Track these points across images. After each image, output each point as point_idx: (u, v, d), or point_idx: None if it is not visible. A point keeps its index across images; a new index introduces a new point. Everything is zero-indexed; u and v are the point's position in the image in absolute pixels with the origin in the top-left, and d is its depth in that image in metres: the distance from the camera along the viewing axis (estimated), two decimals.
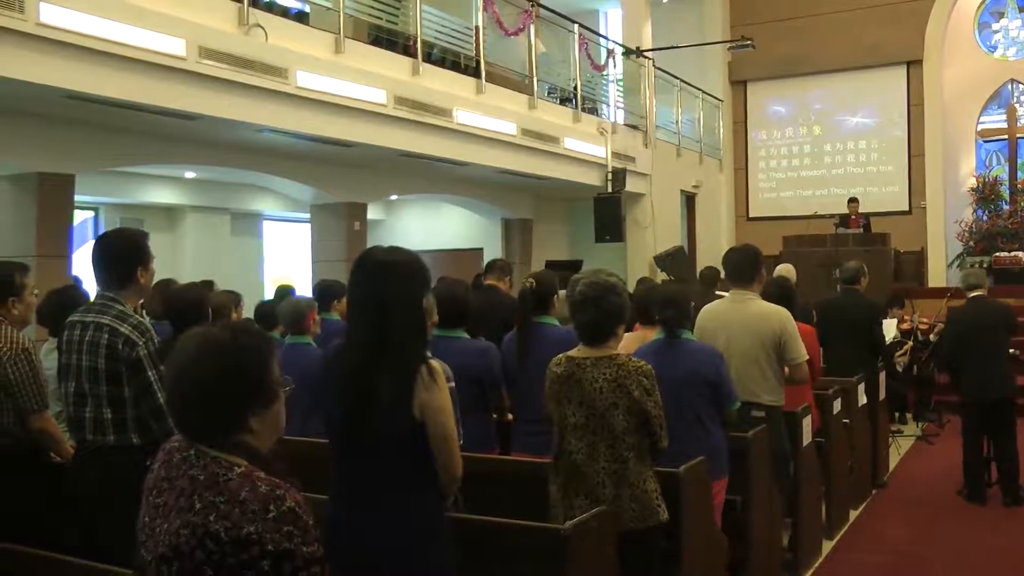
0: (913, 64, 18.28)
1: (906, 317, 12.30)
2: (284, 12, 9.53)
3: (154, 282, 5.15)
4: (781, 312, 5.62)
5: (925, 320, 12.58)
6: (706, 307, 5.82)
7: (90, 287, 5.84)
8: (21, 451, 4.41)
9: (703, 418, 4.76)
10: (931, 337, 11.98)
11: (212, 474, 2.10)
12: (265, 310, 7.22)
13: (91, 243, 4.28)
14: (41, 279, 6.37)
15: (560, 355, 4.11)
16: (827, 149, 19.38)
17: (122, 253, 4.10)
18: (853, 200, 16.30)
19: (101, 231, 12.04)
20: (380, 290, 3.11)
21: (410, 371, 3.01)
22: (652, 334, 5.18)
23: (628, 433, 3.88)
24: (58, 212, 8.63)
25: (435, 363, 3.10)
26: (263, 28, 8.40)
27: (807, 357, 5.63)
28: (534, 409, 4.78)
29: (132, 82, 7.36)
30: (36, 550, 3.36)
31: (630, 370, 3.90)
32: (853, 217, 15.93)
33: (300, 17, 9.80)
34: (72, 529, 4.01)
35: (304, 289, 10.51)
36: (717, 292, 8.59)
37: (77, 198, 9.15)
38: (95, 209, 13.04)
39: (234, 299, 7.10)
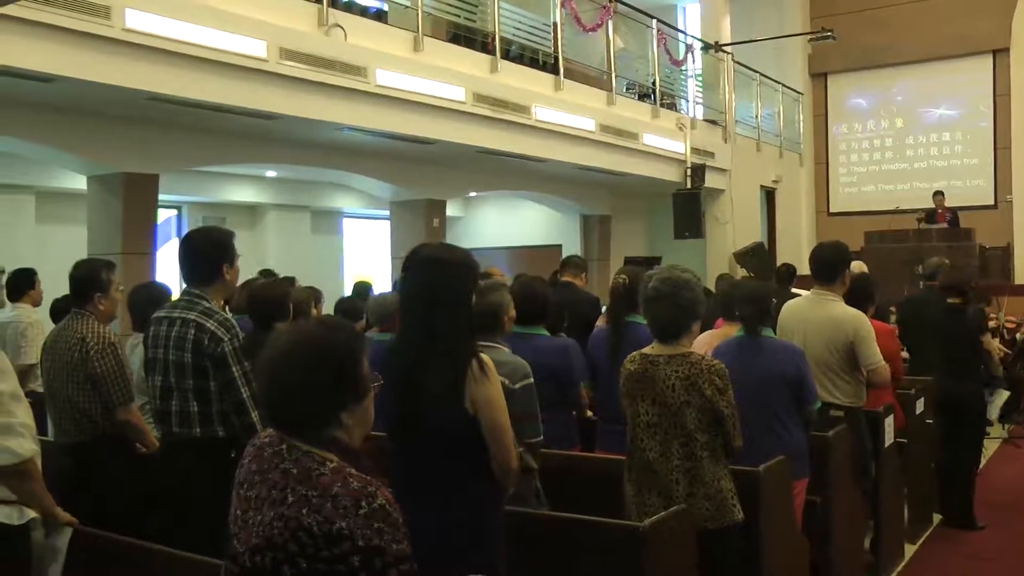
0: (1000, 53, 17.82)
1: (992, 315, 11.99)
2: (363, 11, 9.61)
3: (241, 280, 5.26)
4: (856, 317, 5.43)
5: (1012, 318, 12.25)
6: (787, 304, 5.71)
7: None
8: (108, 442, 4.54)
9: (783, 417, 4.69)
10: (1018, 336, 11.69)
11: (305, 468, 2.12)
12: (345, 306, 7.30)
13: (175, 241, 4.37)
14: (126, 276, 6.58)
15: (634, 352, 4.07)
16: (909, 142, 19.02)
17: (209, 251, 4.19)
18: (939, 193, 15.90)
19: (184, 229, 12.28)
20: (426, 287, 3.15)
21: (459, 366, 3.05)
22: (735, 331, 5.11)
23: (700, 431, 3.83)
24: (143, 211, 8.82)
25: (486, 357, 3.12)
26: (342, 28, 8.50)
27: (883, 362, 5.46)
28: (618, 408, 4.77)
29: (215, 84, 7.50)
30: (124, 537, 3.44)
31: (703, 368, 3.85)
32: (940, 211, 15.58)
33: (379, 16, 9.88)
34: (158, 518, 4.11)
35: (383, 285, 10.59)
36: (793, 290, 8.47)
37: (161, 197, 9.34)
38: (178, 208, 13.27)
39: (314, 295, 7.18)
